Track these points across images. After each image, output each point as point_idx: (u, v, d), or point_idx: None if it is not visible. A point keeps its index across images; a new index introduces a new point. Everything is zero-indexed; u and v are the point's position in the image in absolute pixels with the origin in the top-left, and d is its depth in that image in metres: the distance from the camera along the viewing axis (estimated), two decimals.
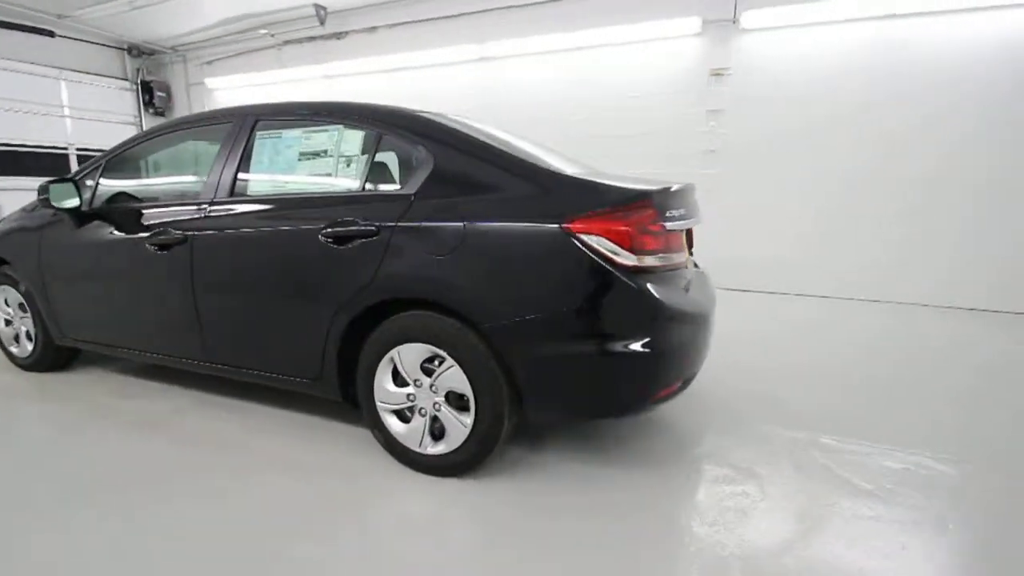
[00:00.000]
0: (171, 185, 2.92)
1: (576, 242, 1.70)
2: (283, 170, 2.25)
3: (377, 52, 7.00)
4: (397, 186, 2.07)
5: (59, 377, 3.05)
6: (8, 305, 3.09)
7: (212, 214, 2.29)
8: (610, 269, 1.69)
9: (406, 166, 2.11)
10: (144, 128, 8.41)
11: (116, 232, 2.54)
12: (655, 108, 5.64)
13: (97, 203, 2.67)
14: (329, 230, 2.01)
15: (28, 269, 2.86)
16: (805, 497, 1.90)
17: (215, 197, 2.31)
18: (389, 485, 1.98)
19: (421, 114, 2.10)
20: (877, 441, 2.28)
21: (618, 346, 1.71)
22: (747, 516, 1.79)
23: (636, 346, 1.71)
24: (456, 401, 1.94)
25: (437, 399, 1.95)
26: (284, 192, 2.23)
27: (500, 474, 2.02)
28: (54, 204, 2.55)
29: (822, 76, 4.97)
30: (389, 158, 2.14)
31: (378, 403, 2.04)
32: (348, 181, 2.12)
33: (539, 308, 1.75)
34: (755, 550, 1.62)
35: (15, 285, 2.96)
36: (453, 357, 1.87)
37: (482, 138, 2.00)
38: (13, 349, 3.15)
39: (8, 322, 3.13)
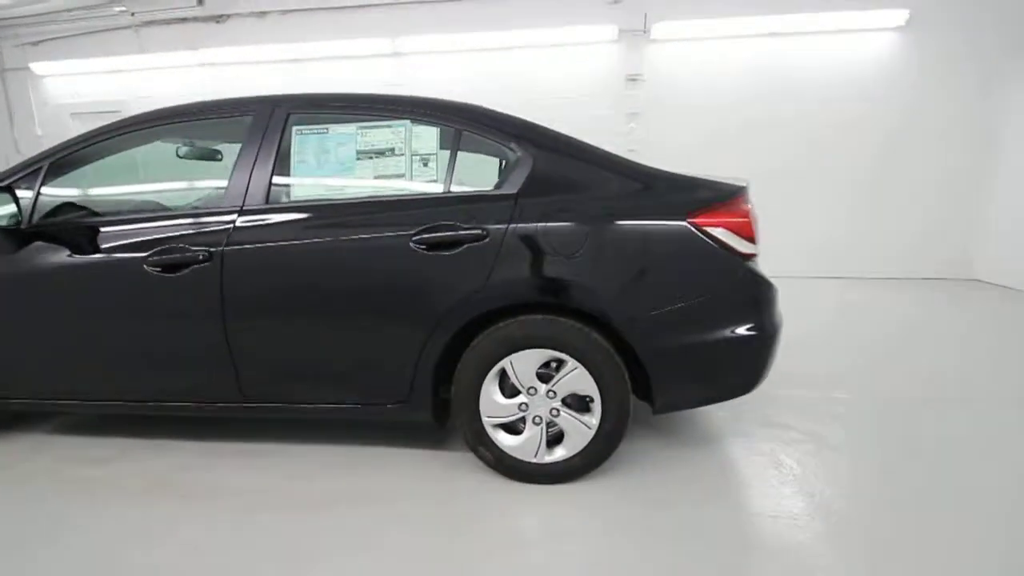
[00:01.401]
0: (160, 193, 2.33)
1: (702, 235, 1.78)
2: (337, 171, 1.96)
3: (268, 40, 6.29)
4: (488, 186, 1.94)
5: None
6: None
7: (245, 225, 1.91)
8: (732, 258, 1.81)
9: (494, 165, 1.99)
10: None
11: (85, 254, 1.98)
12: (576, 109, 5.90)
13: (37, 217, 2.06)
14: (423, 236, 1.82)
15: None
16: (866, 443, 2.23)
17: (245, 205, 1.94)
18: (499, 500, 1.87)
19: (504, 112, 1.99)
20: (876, 393, 2.72)
21: (741, 329, 1.83)
22: (837, 468, 2.05)
23: (755, 329, 1.84)
24: (575, 403, 1.90)
25: (554, 404, 1.89)
26: (344, 197, 1.95)
27: (597, 472, 1.99)
28: None
29: (722, 84, 5.67)
30: (471, 156, 2.00)
31: (485, 418, 1.91)
32: (427, 182, 1.93)
33: (671, 300, 1.80)
34: (873, 490, 1.89)
35: None
36: (578, 359, 1.83)
37: (571, 136, 1.98)
38: None
39: None
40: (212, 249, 1.90)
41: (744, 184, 1.94)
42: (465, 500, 1.88)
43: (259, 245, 1.90)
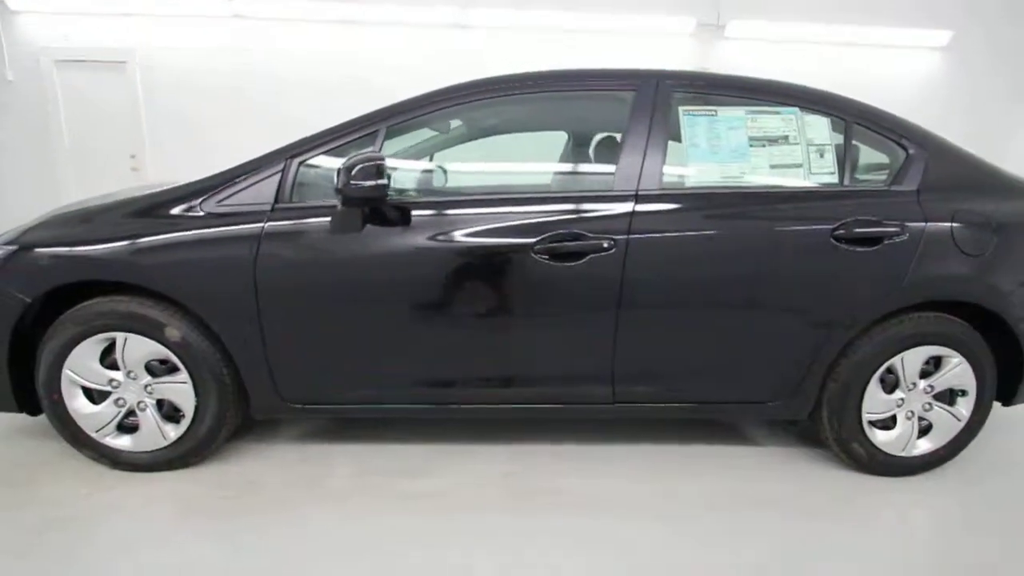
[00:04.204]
0: (522, 171, 2.02)
1: None
2: (731, 157, 1.83)
3: None
4: (880, 182, 1.92)
5: (220, 470, 1.89)
6: (118, 366, 1.76)
7: (645, 211, 1.75)
8: None
9: (881, 162, 1.97)
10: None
11: (452, 238, 1.71)
12: None
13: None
14: (844, 231, 1.77)
15: (220, 302, 1.70)
16: None
17: (640, 189, 1.77)
18: (878, 498, 1.90)
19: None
20: None
21: None
22: None
23: None
24: (943, 397, 1.94)
25: (926, 399, 1.93)
26: (740, 185, 1.83)
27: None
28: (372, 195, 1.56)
29: None
30: (859, 150, 1.96)
31: (865, 414, 1.91)
32: (825, 174, 1.87)
33: None
34: None
35: (152, 331, 1.71)
36: (964, 355, 1.88)
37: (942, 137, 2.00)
38: (112, 441, 1.82)
39: (103, 394, 1.80)
40: (615, 237, 1.72)
41: None
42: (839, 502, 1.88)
43: (662, 233, 1.75)
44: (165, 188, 1.83)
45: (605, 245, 1.71)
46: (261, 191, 1.72)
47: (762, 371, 1.88)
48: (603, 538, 1.62)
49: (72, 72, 5.88)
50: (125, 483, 1.79)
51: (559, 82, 1.90)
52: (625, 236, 1.72)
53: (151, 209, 1.75)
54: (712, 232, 1.77)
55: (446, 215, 1.74)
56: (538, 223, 1.73)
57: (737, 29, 5.75)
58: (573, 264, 1.71)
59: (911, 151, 1.90)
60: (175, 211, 1.73)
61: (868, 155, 2.05)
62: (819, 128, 1.89)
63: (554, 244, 1.71)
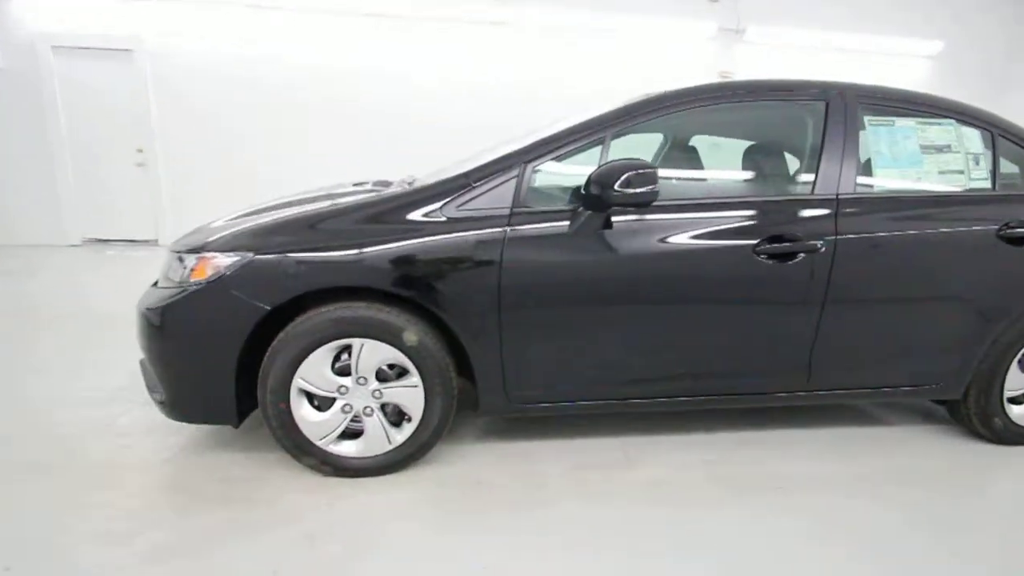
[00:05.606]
0: (726, 175, 2.09)
1: None
2: (907, 164, 2.02)
3: None
4: (1021, 187, 2.17)
5: (441, 473, 1.91)
6: (347, 372, 1.76)
7: (847, 213, 1.91)
8: None
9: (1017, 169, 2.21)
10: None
11: (683, 240, 1.81)
12: None
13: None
14: (1006, 231, 2.00)
15: (466, 306, 1.73)
16: None
17: (840, 193, 1.92)
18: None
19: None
20: None
21: None
22: None
23: None
24: None
25: None
26: (925, 189, 2.02)
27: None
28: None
29: None
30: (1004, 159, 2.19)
31: (1006, 392, 2.16)
32: (980, 180, 2.09)
33: None
34: None
35: (388, 336, 1.70)
36: None
37: None
38: (335, 448, 1.80)
39: (326, 401, 1.77)
40: (825, 237, 1.87)
41: None
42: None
43: (863, 234, 1.91)
44: (392, 193, 1.83)
45: (818, 245, 1.86)
46: (499, 195, 1.75)
47: (934, 357, 2.09)
48: (836, 517, 1.77)
49: (72, 59, 5.46)
50: (357, 490, 1.78)
51: (765, 91, 2.03)
52: (833, 237, 1.88)
53: (387, 214, 1.74)
54: (902, 232, 1.95)
55: (673, 219, 1.83)
56: (755, 226, 1.86)
57: (756, 34, 6.06)
58: (788, 263, 1.86)
59: None
60: (415, 216, 1.73)
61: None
62: (973, 138, 2.11)
63: (773, 244, 1.84)
